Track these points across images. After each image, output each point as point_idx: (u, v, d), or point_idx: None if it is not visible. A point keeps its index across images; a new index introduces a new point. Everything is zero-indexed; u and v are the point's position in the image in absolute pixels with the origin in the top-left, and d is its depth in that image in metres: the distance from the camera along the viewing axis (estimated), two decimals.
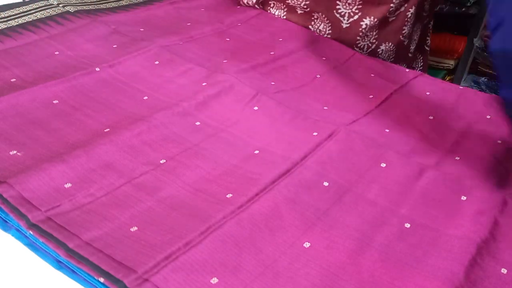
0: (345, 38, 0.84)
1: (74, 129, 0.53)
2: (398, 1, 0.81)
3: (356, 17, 0.82)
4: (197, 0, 0.91)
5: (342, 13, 0.82)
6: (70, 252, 0.38)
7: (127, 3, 0.85)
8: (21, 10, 0.73)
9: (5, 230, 0.42)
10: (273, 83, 0.68)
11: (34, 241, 0.41)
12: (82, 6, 0.79)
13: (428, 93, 0.72)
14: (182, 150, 0.52)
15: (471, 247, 0.44)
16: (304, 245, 0.43)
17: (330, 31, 0.85)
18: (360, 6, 0.81)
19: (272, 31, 0.84)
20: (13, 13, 0.72)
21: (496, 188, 0.52)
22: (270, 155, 0.54)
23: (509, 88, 0.56)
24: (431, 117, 0.66)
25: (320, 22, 0.85)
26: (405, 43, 0.89)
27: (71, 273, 0.39)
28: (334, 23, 0.84)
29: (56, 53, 0.66)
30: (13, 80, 0.59)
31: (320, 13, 0.85)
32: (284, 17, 0.89)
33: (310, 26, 0.87)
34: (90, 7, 0.80)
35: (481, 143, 0.61)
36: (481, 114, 0.68)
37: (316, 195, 0.49)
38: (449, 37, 1.69)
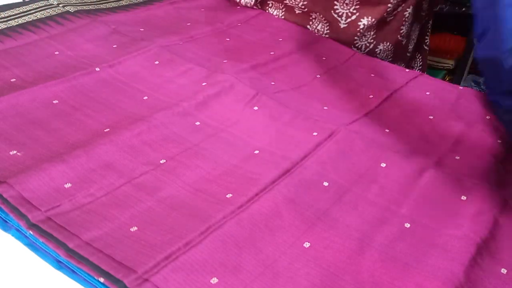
0: (342, 38, 0.84)
1: (74, 129, 0.53)
2: (395, 2, 0.81)
3: (353, 17, 0.82)
4: (197, 0, 0.91)
5: (340, 13, 0.82)
6: (70, 252, 0.38)
7: (127, 3, 0.85)
8: (21, 10, 0.73)
9: (5, 230, 0.42)
10: (273, 83, 0.68)
11: (34, 241, 0.41)
12: (82, 6, 0.79)
13: (428, 93, 0.72)
14: (182, 150, 0.52)
15: (471, 247, 0.44)
16: (304, 245, 0.43)
17: (328, 31, 0.85)
18: (357, 7, 0.81)
19: (272, 31, 0.84)
20: (13, 13, 0.72)
21: (496, 188, 0.52)
22: (270, 155, 0.54)
23: (495, 93, 0.57)
24: (431, 117, 0.66)
25: (318, 22, 0.85)
26: (403, 42, 0.89)
27: (71, 273, 0.39)
28: (332, 23, 0.84)
29: (56, 53, 0.66)
30: (13, 80, 0.59)
31: (318, 13, 0.85)
32: (282, 17, 0.89)
33: (308, 26, 0.87)
34: (90, 7, 0.80)
35: (481, 143, 0.61)
36: (481, 114, 0.68)
37: (316, 195, 0.49)
38: (449, 37, 1.68)
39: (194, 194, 0.47)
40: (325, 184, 0.51)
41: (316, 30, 0.87)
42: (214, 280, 0.38)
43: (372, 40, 0.84)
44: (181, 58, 0.69)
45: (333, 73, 0.75)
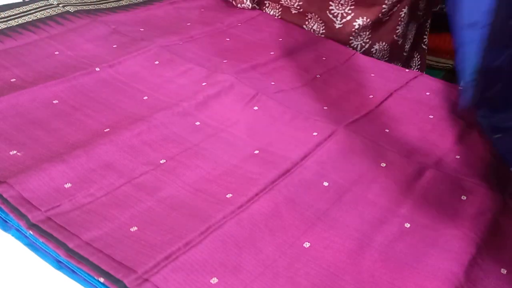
0: (338, 38, 0.84)
1: (74, 129, 0.53)
2: (390, 2, 0.81)
3: (348, 17, 0.82)
4: (197, 0, 0.91)
5: (335, 14, 0.83)
6: (70, 252, 0.38)
7: (127, 3, 0.85)
8: (21, 10, 0.73)
9: (5, 230, 0.42)
10: (273, 83, 0.68)
11: (34, 241, 0.41)
12: (82, 6, 0.79)
13: (428, 93, 0.72)
14: (182, 150, 0.52)
15: (471, 247, 0.44)
16: (304, 245, 0.43)
17: (323, 31, 0.85)
18: (352, 7, 0.82)
19: (272, 31, 0.84)
20: (13, 13, 0.72)
21: (496, 188, 0.52)
22: (270, 155, 0.54)
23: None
24: (431, 117, 0.66)
25: (313, 22, 0.85)
26: (399, 42, 0.89)
27: (71, 273, 0.39)
28: (327, 23, 0.84)
29: (56, 53, 0.66)
30: (13, 80, 0.59)
31: (313, 14, 0.85)
32: (279, 17, 0.90)
33: (304, 26, 0.87)
34: (90, 7, 0.80)
35: (481, 143, 0.61)
36: None
37: (316, 195, 0.49)
38: (449, 37, 1.68)
39: (194, 194, 0.47)
40: (325, 184, 0.51)
41: (312, 30, 0.87)
42: (214, 280, 0.38)
43: (367, 40, 0.85)
44: (181, 58, 0.69)
45: (333, 73, 0.75)
